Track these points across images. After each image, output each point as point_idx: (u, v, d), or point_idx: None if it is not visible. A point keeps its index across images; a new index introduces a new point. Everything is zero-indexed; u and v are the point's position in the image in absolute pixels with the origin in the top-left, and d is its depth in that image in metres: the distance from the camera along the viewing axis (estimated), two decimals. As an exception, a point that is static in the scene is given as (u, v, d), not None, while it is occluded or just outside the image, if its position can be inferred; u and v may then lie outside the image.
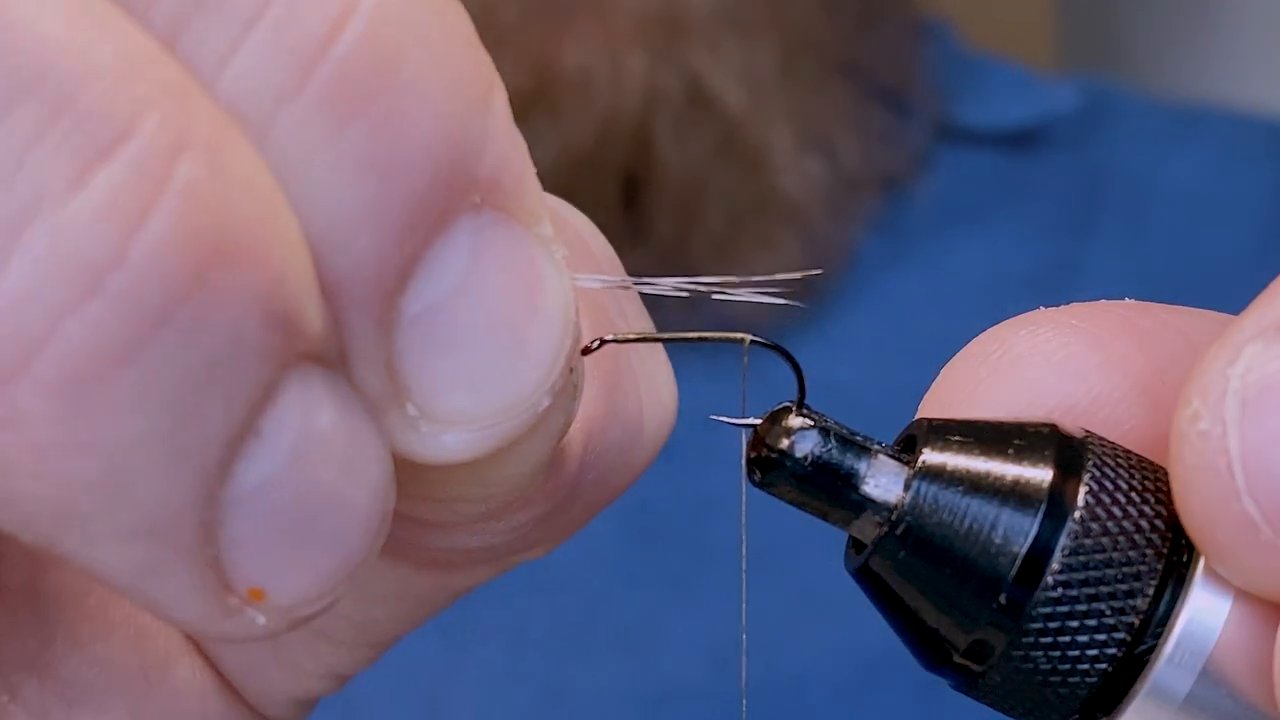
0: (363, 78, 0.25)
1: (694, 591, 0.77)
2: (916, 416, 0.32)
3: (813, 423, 0.31)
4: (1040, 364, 0.31)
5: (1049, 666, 0.30)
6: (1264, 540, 0.28)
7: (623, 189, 0.78)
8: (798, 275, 0.31)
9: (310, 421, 0.26)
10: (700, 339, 0.32)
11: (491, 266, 0.27)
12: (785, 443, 0.31)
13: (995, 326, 0.32)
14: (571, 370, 0.29)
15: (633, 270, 0.88)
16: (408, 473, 0.28)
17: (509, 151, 0.27)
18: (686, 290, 0.31)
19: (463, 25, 0.27)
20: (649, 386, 0.34)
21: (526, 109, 0.76)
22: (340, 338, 0.27)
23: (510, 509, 0.32)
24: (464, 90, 0.26)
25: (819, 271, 0.30)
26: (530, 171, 0.28)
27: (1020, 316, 0.32)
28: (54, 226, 0.24)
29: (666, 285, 0.31)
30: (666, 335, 0.33)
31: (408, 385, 0.27)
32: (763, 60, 0.80)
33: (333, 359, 0.27)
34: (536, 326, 0.28)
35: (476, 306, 0.27)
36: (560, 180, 0.74)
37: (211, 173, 0.24)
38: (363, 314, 0.26)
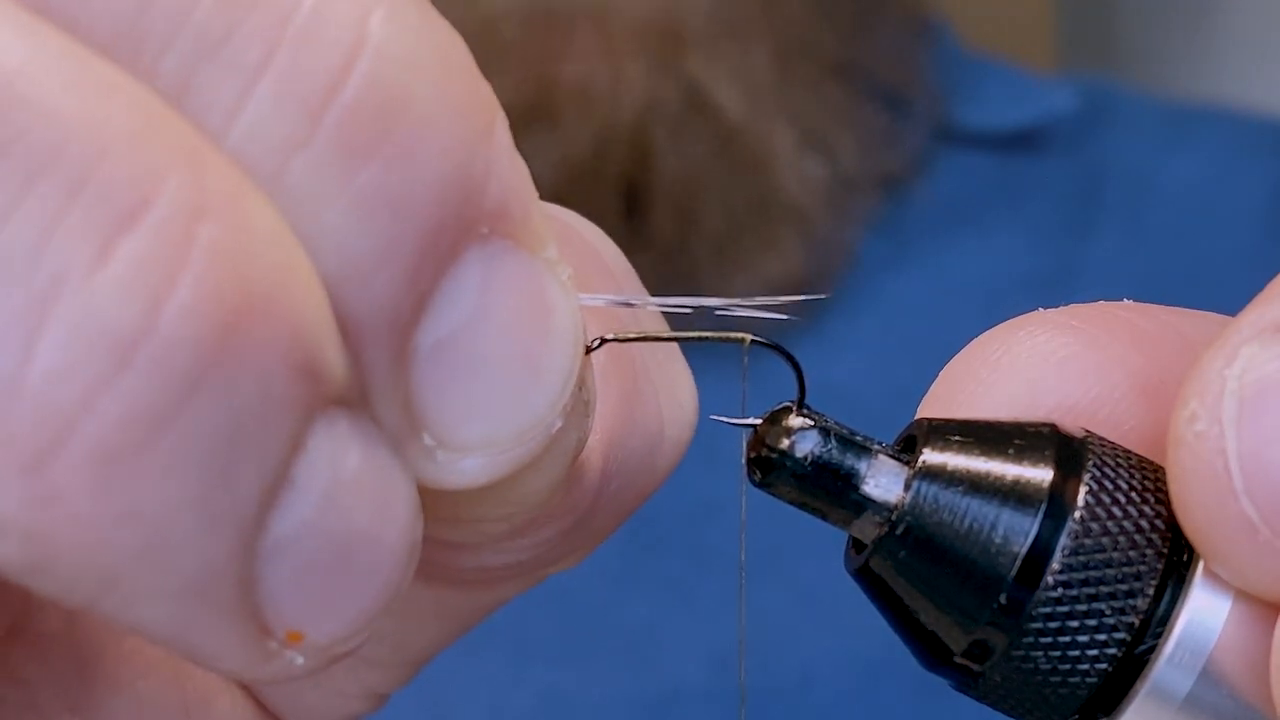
0: (371, 121, 0.26)
1: (694, 595, 0.77)
2: (916, 417, 0.32)
3: (813, 423, 0.31)
4: (1040, 365, 0.31)
5: (1049, 666, 0.30)
6: (1262, 541, 0.28)
7: (623, 197, 0.78)
8: (800, 297, 0.31)
9: (339, 465, 0.26)
10: (701, 339, 0.32)
11: (501, 294, 0.27)
12: (785, 443, 0.31)
13: (995, 328, 0.32)
14: (582, 388, 0.29)
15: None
16: (430, 498, 0.28)
17: (513, 179, 0.27)
18: (690, 307, 0.31)
19: (463, 57, 0.27)
20: (668, 392, 0.34)
21: (527, 120, 0.76)
22: (359, 376, 0.27)
23: (534, 525, 0.32)
24: (469, 123, 0.27)
25: (823, 295, 0.30)
26: (533, 196, 0.28)
27: (1020, 318, 0.32)
28: (80, 305, 0.24)
29: (671, 302, 0.31)
30: (667, 335, 0.33)
31: (424, 417, 0.27)
32: (760, 64, 0.80)
33: (355, 400, 0.27)
34: (547, 350, 0.28)
35: (489, 335, 0.27)
36: (560, 190, 0.74)
37: (233, 232, 0.24)
38: (380, 352, 0.27)
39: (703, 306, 0.31)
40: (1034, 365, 0.31)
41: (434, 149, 0.26)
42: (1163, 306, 0.32)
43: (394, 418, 0.27)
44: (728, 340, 0.32)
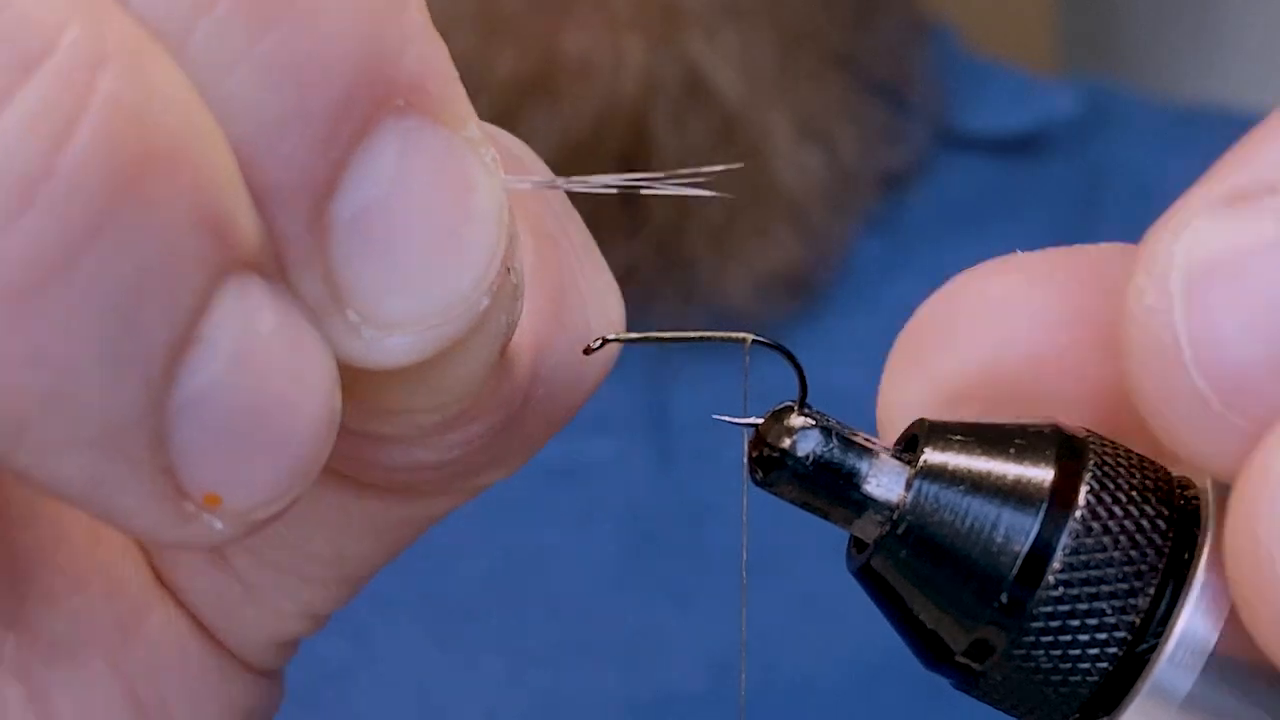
0: None
1: (692, 598, 0.77)
2: (890, 363, 0.32)
3: (814, 422, 0.31)
4: (1010, 311, 0.31)
5: (1050, 665, 0.30)
6: (1213, 414, 0.27)
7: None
8: (719, 169, 0.32)
9: (252, 326, 0.26)
10: (701, 339, 0.32)
11: (420, 168, 0.28)
12: (787, 442, 0.31)
13: (969, 271, 0.32)
14: (510, 270, 0.29)
15: (631, 261, 0.87)
16: (359, 385, 0.29)
17: (430, 55, 0.28)
18: (615, 186, 0.31)
19: None
20: (597, 301, 0.34)
21: (526, 96, 0.76)
22: (277, 247, 0.27)
23: (464, 420, 0.32)
24: None
25: (739, 165, 0.30)
26: (454, 76, 0.28)
27: (994, 261, 0.32)
28: None
29: (596, 183, 0.31)
30: (667, 335, 0.33)
31: (347, 291, 0.28)
32: (761, 50, 0.80)
33: (271, 269, 0.27)
34: (470, 226, 0.28)
35: (408, 208, 0.28)
36: (558, 166, 0.74)
37: (133, 84, 0.25)
38: (294, 220, 0.27)
39: (625, 187, 0.31)
40: (1005, 311, 0.31)
41: (342, 16, 0.26)
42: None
43: (316, 291, 0.27)
44: (728, 340, 0.32)
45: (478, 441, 0.33)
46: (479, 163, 0.28)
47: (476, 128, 0.29)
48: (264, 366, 0.27)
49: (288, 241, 0.27)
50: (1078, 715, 0.30)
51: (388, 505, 0.36)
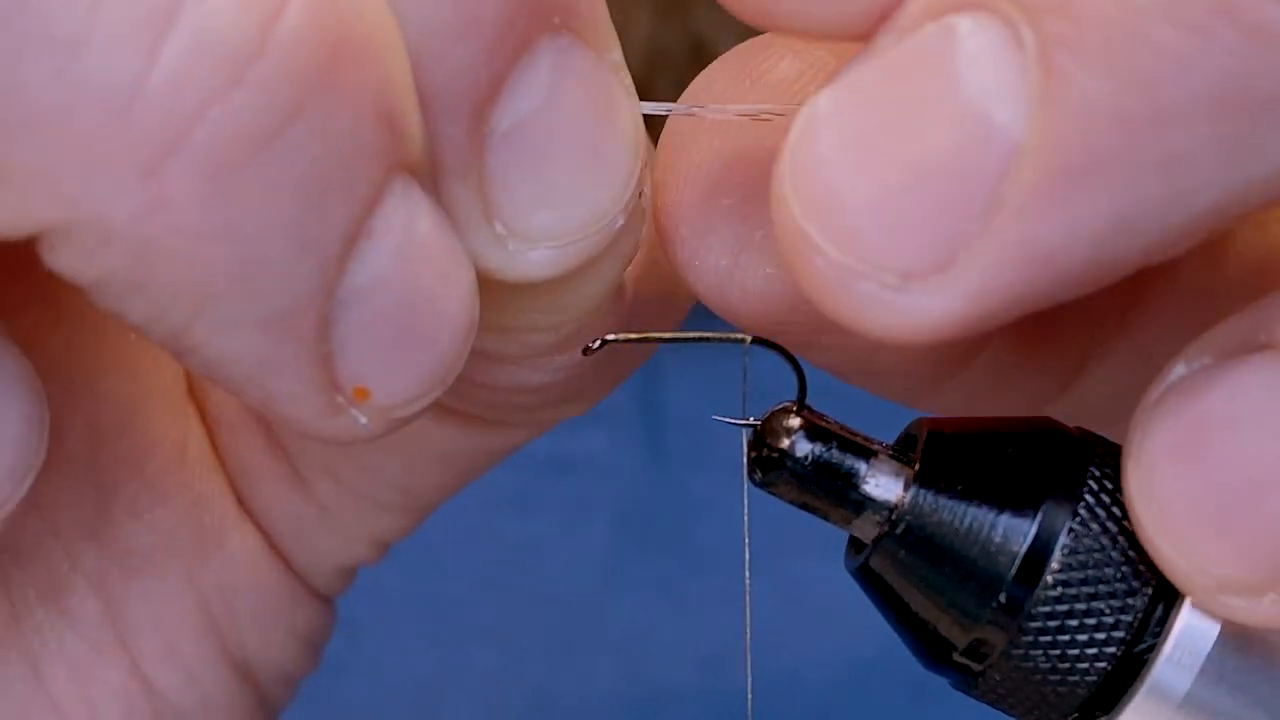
0: None
1: (684, 593, 0.77)
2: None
3: (814, 422, 0.31)
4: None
5: (1048, 665, 0.30)
6: (828, 261, 0.27)
7: None
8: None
9: (412, 225, 0.28)
10: (701, 339, 0.32)
11: (571, 86, 0.29)
12: (786, 442, 0.31)
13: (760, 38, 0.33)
14: (641, 194, 0.30)
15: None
16: (486, 301, 0.30)
17: None
18: (743, 114, 0.32)
19: None
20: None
21: None
22: (434, 154, 0.28)
23: (576, 341, 0.33)
24: None
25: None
26: (602, 1, 0.29)
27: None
28: (199, 15, 0.25)
29: (731, 111, 0.32)
30: (668, 335, 0.33)
31: (496, 202, 0.29)
32: None
33: (425, 176, 0.28)
34: (612, 145, 0.29)
35: (559, 124, 0.29)
36: None
37: None
38: (457, 127, 0.28)
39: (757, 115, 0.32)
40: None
41: None
42: None
43: (468, 200, 0.29)
44: (728, 341, 0.32)
45: (583, 366, 0.34)
46: (621, 86, 0.30)
47: (619, 54, 0.30)
48: (420, 265, 0.28)
49: (446, 149, 0.28)
50: (1076, 715, 0.30)
51: (466, 434, 0.37)
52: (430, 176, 0.28)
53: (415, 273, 0.28)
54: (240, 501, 0.38)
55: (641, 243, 0.33)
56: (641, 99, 0.30)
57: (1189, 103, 0.25)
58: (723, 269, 0.31)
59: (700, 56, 0.78)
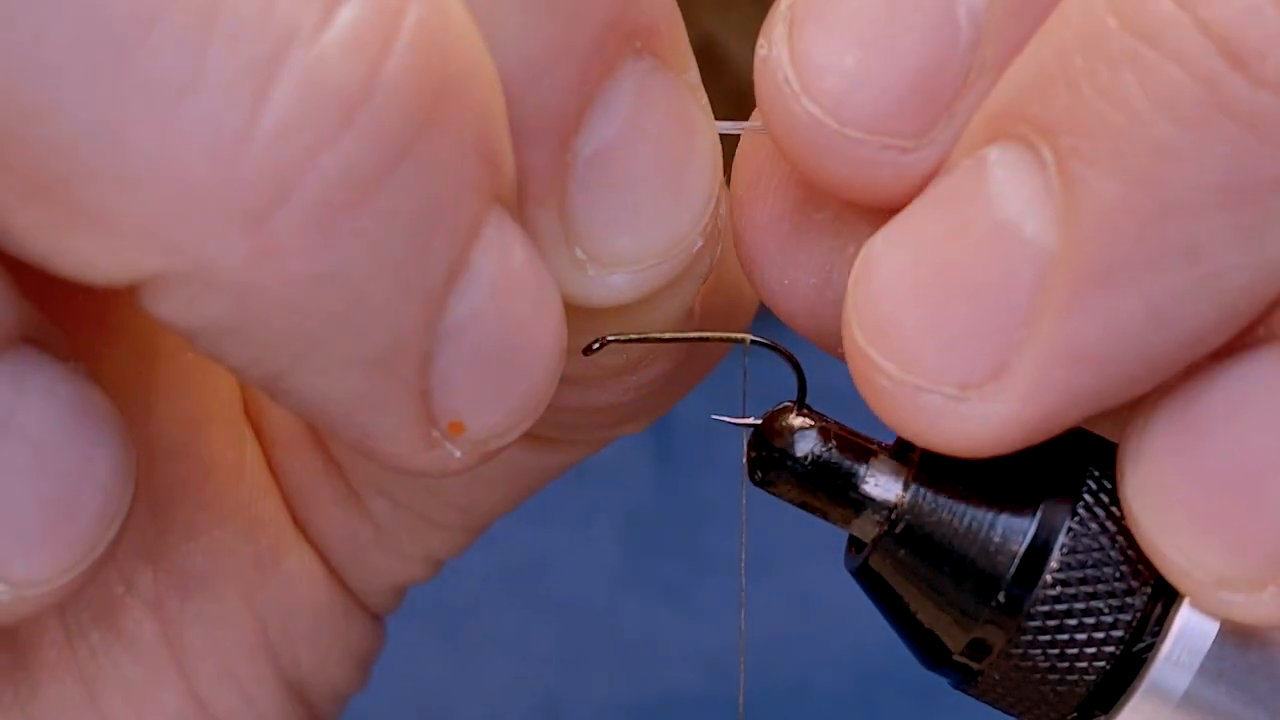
0: None
1: (691, 599, 0.77)
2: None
3: (813, 422, 0.31)
4: None
5: (1048, 664, 0.30)
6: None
7: None
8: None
9: (507, 257, 0.28)
10: (702, 339, 0.32)
11: (653, 109, 0.29)
12: (786, 442, 0.31)
13: None
14: (717, 216, 0.30)
15: None
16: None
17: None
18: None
19: None
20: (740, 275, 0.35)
21: None
22: (520, 181, 0.28)
23: (646, 361, 0.33)
24: None
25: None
26: (680, 20, 0.29)
27: None
28: (307, 59, 0.25)
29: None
30: (668, 335, 0.33)
31: (578, 227, 0.29)
32: None
33: (513, 203, 0.28)
34: (692, 168, 0.29)
35: (640, 149, 0.29)
36: None
37: (435, 13, 0.26)
38: (542, 154, 0.28)
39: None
40: None
41: None
42: None
43: (549, 226, 0.29)
44: (728, 340, 0.32)
45: (650, 386, 0.34)
46: (699, 106, 0.30)
47: (696, 73, 0.30)
48: (515, 296, 0.28)
49: (531, 176, 0.28)
50: (1075, 714, 0.30)
51: (529, 453, 0.37)
52: (514, 204, 0.28)
53: (511, 304, 0.28)
54: (296, 522, 0.38)
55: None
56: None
57: (1198, 193, 0.26)
58: (813, 287, 0.32)
59: (709, 56, 0.78)
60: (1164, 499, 0.28)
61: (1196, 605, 0.29)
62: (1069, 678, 0.30)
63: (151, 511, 0.35)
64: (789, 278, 0.32)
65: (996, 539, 0.30)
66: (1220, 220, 0.26)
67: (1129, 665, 0.30)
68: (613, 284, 0.29)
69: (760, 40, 0.29)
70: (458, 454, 0.29)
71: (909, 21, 0.28)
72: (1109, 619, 0.29)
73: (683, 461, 0.77)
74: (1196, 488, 0.28)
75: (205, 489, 0.36)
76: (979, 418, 0.28)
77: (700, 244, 0.30)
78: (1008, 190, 0.28)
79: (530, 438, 0.35)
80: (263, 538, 0.37)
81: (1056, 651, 0.30)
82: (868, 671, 0.74)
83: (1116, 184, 0.26)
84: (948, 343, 0.28)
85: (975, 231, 0.28)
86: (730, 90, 0.83)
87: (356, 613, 0.39)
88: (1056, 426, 0.28)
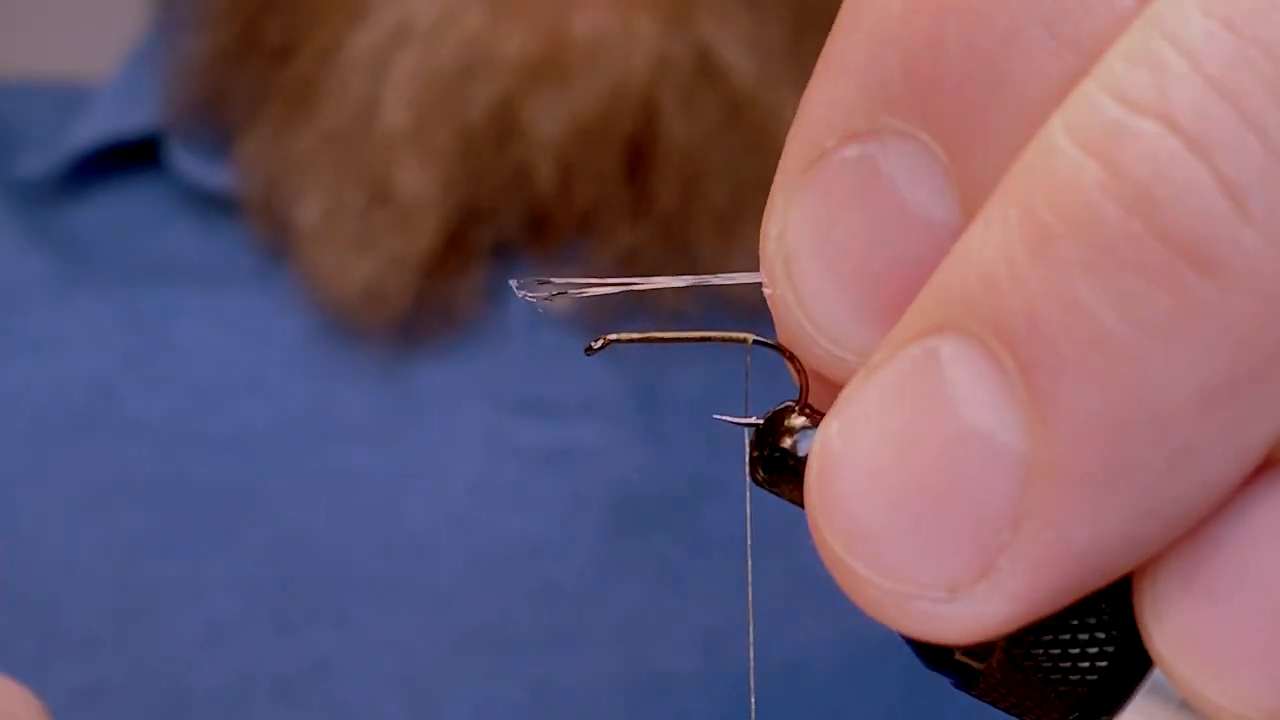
0: None
1: (686, 579, 0.77)
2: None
3: (815, 422, 0.31)
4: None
5: (1050, 664, 0.30)
6: (878, 589, 0.28)
7: (626, 160, 0.78)
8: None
9: None
10: (703, 339, 0.32)
11: None
12: (788, 442, 0.31)
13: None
14: None
15: (634, 244, 0.86)
16: None
17: None
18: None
19: None
20: None
21: (536, 77, 0.76)
22: None
23: None
24: None
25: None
26: None
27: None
28: None
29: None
30: (669, 334, 0.33)
31: None
32: (773, 32, 0.80)
33: None
34: None
35: None
36: (565, 150, 0.74)
37: None
38: None
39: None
40: None
41: None
42: None
43: None
44: (730, 340, 0.32)
45: None
46: None
47: None
48: None
49: None
50: (1078, 714, 0.30)
51: None
52: None
53: None
54: None
55: None
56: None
57: (1178, 401, 0.26)
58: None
59: (708, 66, 0.78)
60: (1202, 651, 0.27)
61: None
62: (1071, 677, 0.30)
63: None
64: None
65: None
66: (1206, 422, 0.26)
67: (1133, 664, 0.30)
68: None
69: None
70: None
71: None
72: (1112, 617, 0.29)
73: (676, 437, 0.77)
74: (1237, 631, 0.27)
75: None
76: (972, 616, 0.28)
77: None
78: (970, 395, 0.27)
79: None
80: None
81: (1059, 650, 0.30)
82: (866, 649, 0.74)
83: (1089, 399, 0.26)
84: (927, 550, 0.27)
85: (940, 435, 0.27)
86: (725, 100, 0.83)
87: None
88: (1060, 605, 0.28)
